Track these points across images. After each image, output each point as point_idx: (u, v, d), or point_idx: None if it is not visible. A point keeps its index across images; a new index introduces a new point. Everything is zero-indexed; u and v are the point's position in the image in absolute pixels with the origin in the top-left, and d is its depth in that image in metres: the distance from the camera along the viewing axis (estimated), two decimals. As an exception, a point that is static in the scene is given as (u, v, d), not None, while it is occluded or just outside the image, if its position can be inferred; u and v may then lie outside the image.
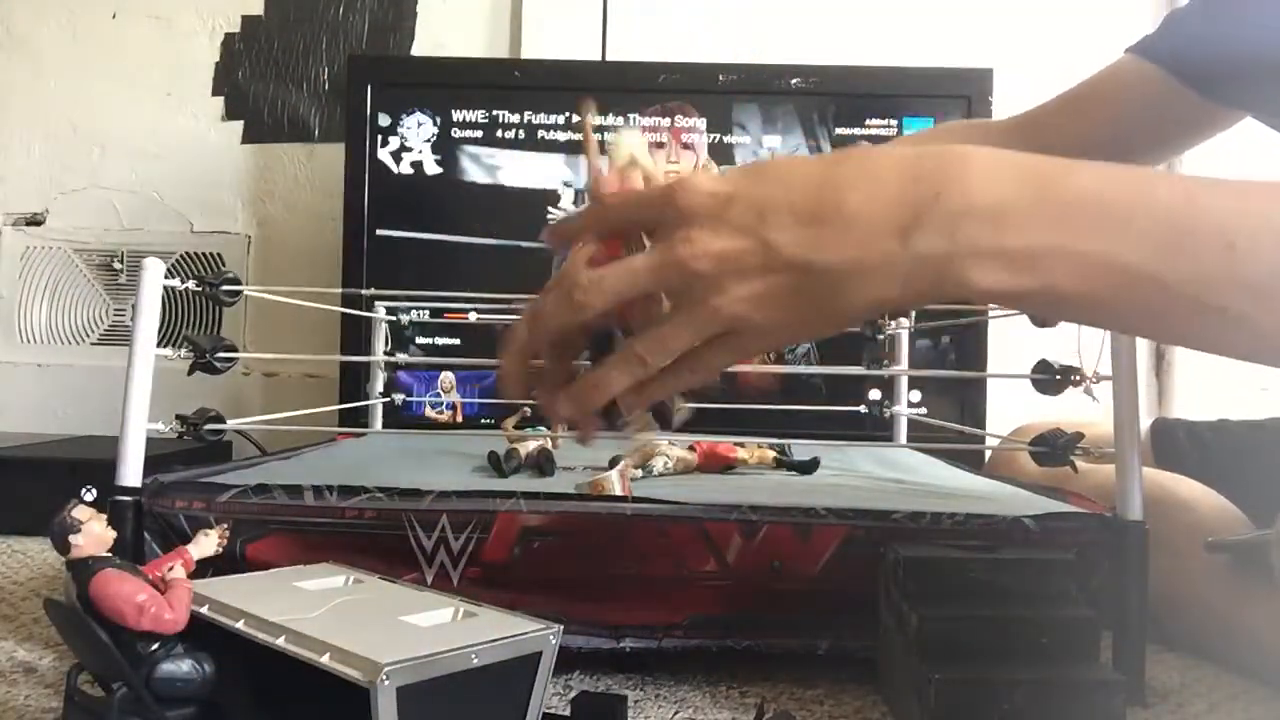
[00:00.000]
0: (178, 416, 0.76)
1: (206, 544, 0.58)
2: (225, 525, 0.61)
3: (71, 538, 0.52)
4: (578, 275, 0.43)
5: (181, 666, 0.51)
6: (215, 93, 1.76)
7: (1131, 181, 0.40)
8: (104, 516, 0.54)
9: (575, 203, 1.45)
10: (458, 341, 1.43)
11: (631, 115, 1.44)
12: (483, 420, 1.39)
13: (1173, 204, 0.39)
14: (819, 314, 0.42)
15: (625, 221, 0.45)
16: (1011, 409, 1.34)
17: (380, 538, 0.68)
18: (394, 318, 1.24)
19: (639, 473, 0.89)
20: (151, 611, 0.50)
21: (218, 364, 0.79)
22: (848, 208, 0.40)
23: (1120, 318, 0.42)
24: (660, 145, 1.45)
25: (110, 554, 0.53)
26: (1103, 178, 0.40)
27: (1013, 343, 1.27)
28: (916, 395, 1.34)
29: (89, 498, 0.54)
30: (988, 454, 1.18)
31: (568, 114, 1.45)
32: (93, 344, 1.75)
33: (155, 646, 0.51)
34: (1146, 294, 0.39)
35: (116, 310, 1.75)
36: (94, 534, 0.52)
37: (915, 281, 0.40)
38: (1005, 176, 0.40)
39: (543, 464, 0.91)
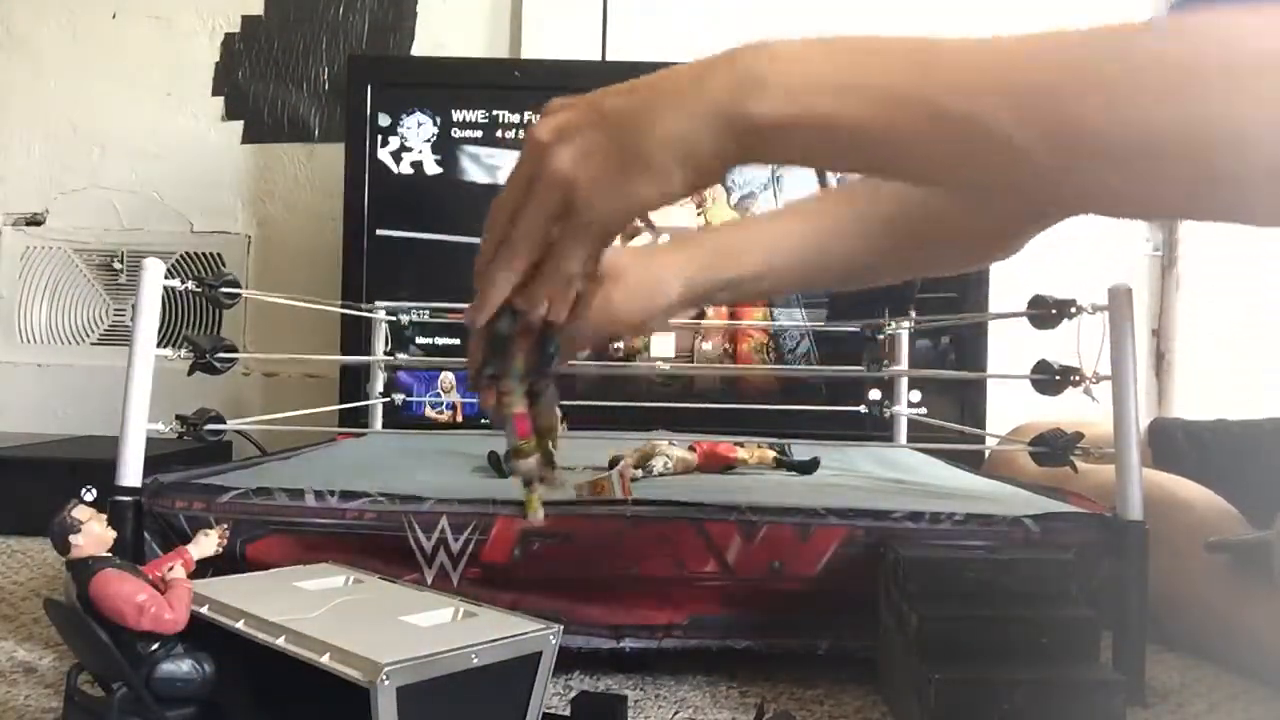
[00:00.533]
0: (178, 416, 0.77)
1: (206, 544, 0.58)
2: (225, 525, 0.61)
3: (71, 538, 0.52)
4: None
5: (181, 666, 0.51)
6: (215, 93, 1.76)
7: (912, 38, 0.47)
8: (104, 516, 0.54)
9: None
10: (458, 341, 1.43)
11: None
12: (483, 420, 1.39)
13: (948, 42, 0.46)
14: (630, 160, 0.48)
15: (518, 197, 0.51)
16: (1011, 409, 1.34)
17: (380, 539, 0.68)
18: (394, 318, 1.24)
19: (639, 473, 0.89)
20: (151, 611, 0.50)
21: (218, 364, 0.79)
22: (669, 79, 0.49)
23: (901, 151, 0.46)
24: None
25: (110, 554, 0.53)
26: (884, 37, 0.47)
27: (1013, 343, 1.27)
28: (916, 395, 1.34)
29: (89, 498, 0.54)
30: (988, 454, 1.18)
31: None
32: (93, 344, 1.75)
33: (155, 646, 0.51)
34: (916, 117, 0.44)
35: (116, 310, 1.75)
36: (94, 534, 0.52)
37: (707, 120, 0.47)
38: (796, 40, 0.48)
39: (543, 464, 0.90)
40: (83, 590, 0.51)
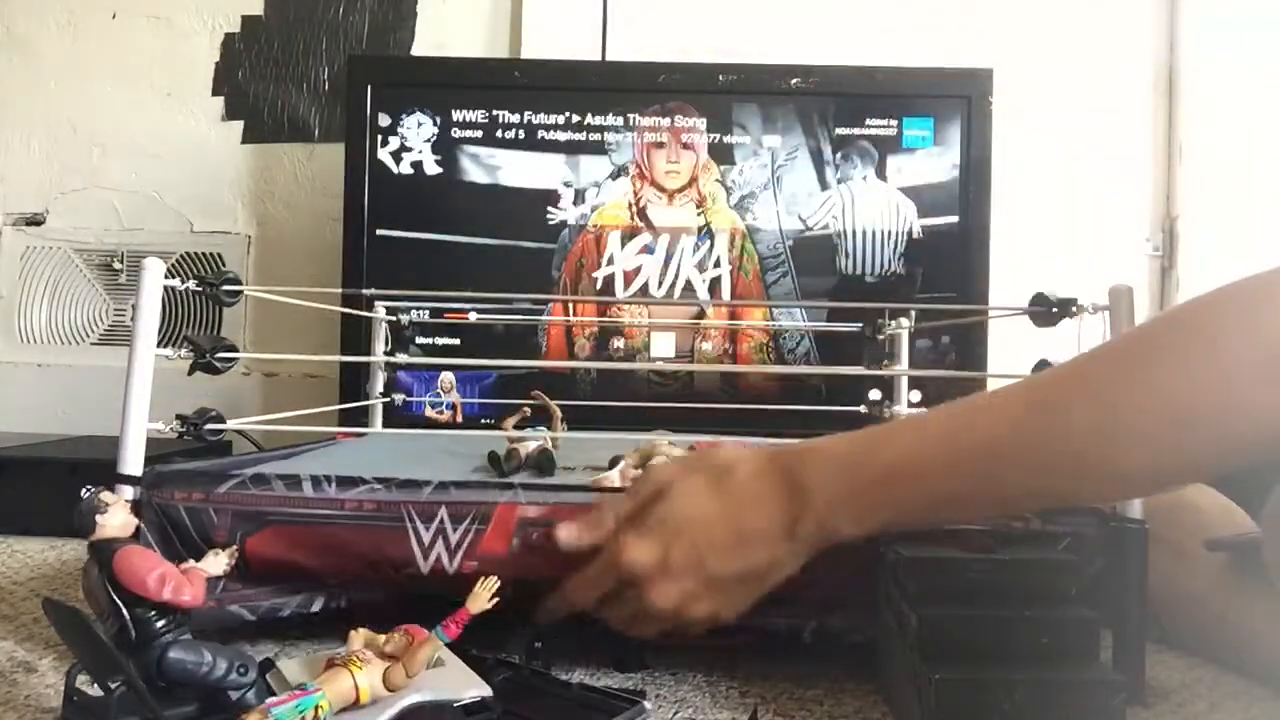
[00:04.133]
0: (178, 416, 0.76)
1: (215, 563, 0.59)
2: (235, 547, 0.62)
3: (99, 517, 0.54)
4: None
5: (190, 654, 0.52)
6: (215, 93, 1.76)
7: (920, 441, 0.58)
8: (128, 504, 0.56)
9: (575, 202, 1.45)
10: (458, 341, 1.43)
11: (632, 115, 1.44)
12: (483, 420, 1.39)
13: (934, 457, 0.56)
14: (747, 594, 0.60)
15: (593, 593, 0.62)
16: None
17: (379, 531, 0.68)
18: (394, 318, 1.24)
19: (639, 473, 0.89)
20: (172, 584, 0.52)
21: (218, 364, 0.79)
22: (751, 528, 0.58)
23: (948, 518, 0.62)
24: (660, 145, 1.45)
25: (132, 539, 0.56)
26: (900, 452, 0.57)
27: (1013, 343, 1.27)
28: (916, 395, 1.34)
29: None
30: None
31: (568, 114, 1.45)
32: (93, 344, 1.75)
33: (162, 624, 0.52)
34: (951, 509, 0.59)
35: (116, 310, 1.75)
36: (120, 517, 0.55)
37: (805, 554, 0.59)
38: (830, 473, 0.58)
39: (543, 464, 0.90)
40: (105, 566, 0.53)
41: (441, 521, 0.68)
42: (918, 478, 0.56)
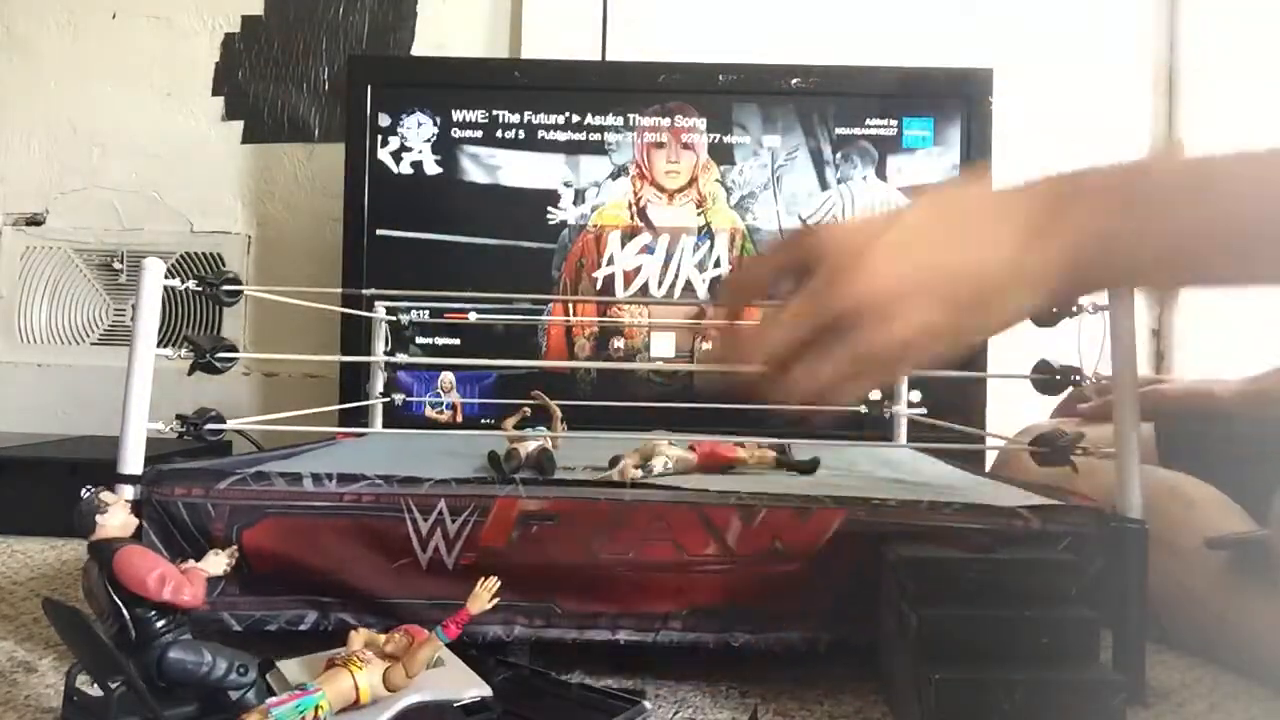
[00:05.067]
0: (178, 416, 0.76)
1: (215, 563, 0.59)
2: (234, 547, 0.62)
3: (99, 517, 0.55)
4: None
5: (189, 654, 0.52)
6: (215, 93, 1.76)
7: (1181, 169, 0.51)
8: (128, 504, 0.57)
9: (575, 202, 1.45)
10: (458, 341, 1.43)
11: (632, 115, 1.44)
12: (483, 420, 1.39)
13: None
14: (974, 316, 0.49)
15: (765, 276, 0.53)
16: (1012, 409, 1.34)
17: (377, 523, 0.68)
18: (394, 318, 1.24)
19: (639, 473, 0.89)
20: (172, 584, 0.52)
21: (218, 364, 0.79)
22: (982, 233, 0.49)
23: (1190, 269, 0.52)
24: (660, 145, 1.45)
25: (132, 539, 0.56)
26: (1169, 170, 0.52)
27: (1013, 342, 1.27)
28: (916, 395, 1.34)
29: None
30: (989, 454, 1.18)
31: (568, 114, 1.45)
32: (93, 344, 1.75)
33: (162, 624, 0.52)
34: (1197, 250, 0.49)
35: (116, 310, 1.75)
36: (120, 517, 0.56)
37: (1046, 279, 0.49)
38: (1100, 182, 0.52)
39: (543, 464, 0.91)
40: (105, 566, 0.53)
41: (440, 514, 0.68)
42: (1172, 204, 0.49)
